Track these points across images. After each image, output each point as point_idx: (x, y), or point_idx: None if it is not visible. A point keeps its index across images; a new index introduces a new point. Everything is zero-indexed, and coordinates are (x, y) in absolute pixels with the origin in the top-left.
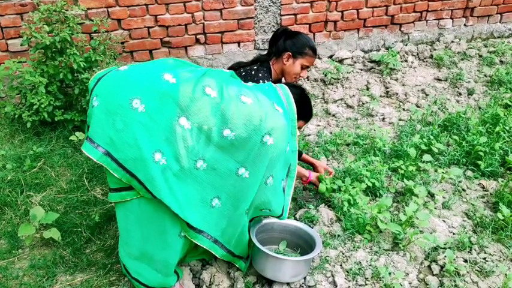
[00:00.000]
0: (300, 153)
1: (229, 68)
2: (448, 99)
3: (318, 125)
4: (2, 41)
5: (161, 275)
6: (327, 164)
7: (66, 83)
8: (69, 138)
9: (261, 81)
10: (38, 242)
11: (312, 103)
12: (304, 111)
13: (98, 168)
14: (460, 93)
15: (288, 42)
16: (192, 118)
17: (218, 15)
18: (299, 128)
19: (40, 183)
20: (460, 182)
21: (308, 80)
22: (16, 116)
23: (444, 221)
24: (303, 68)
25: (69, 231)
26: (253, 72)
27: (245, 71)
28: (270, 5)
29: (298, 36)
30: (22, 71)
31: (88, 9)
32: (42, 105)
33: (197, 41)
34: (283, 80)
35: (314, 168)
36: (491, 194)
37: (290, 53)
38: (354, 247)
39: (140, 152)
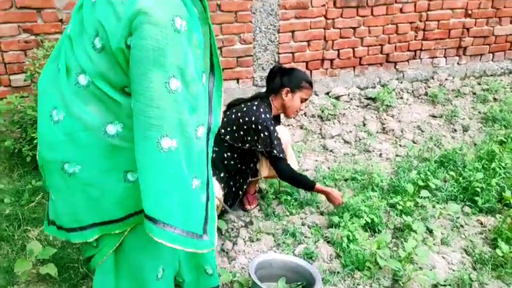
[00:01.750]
0: (314, 184)
1: (229, 105)
2: (444, 136)
3: (316, 160)
4: (5, 76)
5: None
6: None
7: None
8: None
9: (263, 115)
10: (34, 278)
11: (310, 139)
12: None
13: None
14: (455, 130)
15: (284, 79)
16: None
17: (218, 52)
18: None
19: (38, 218)
20: (458, 218)
21: (305, 115)
22: (16, 150)
23: (443, 257)
24: (302, 101)
25: (66, 266)
26: (254, 108)
27: (246, 106)
28: (268, 44)
29: (293, 71)
30: (24, 106)
31: None
32: None
33: None
34: (282, 115)
35: (328, 197)
36: (489, 230)
37: (288, 88)
38: (353, 284)
39: None
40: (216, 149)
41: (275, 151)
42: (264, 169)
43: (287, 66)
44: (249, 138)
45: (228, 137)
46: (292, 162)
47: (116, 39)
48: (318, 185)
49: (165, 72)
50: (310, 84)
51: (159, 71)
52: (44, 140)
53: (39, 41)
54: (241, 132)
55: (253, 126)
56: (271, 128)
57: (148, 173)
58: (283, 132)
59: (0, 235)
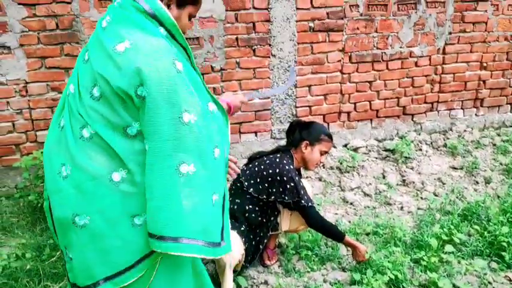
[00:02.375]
0: (343, 235)
1: (250, 158)
2: (466, 188)
3: (336, 214)
4: (31, 133)
5: None
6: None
7: None
8: None
9: (286, 166)
10: None
11: (329, 191)
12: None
13: None
14: (477, 182)
15: (303, 132)
16: None
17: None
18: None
19: (58, 273)
20: (485, 274)
21: (324, 167)
22: (39, 205)
23: None
24: (322, 153)
25: None
26: (277, 160)
27: (269, 159)
28: (285, 98)
29: (312, 125)
30: None
31: None
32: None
33: None
34: (302, 169)
35: (354, 251)
36: None
37: (307, 142)
38: None
39: None
40: (238, 201)
41: (303, 200)
42: (285, 223)
43: (305, 119)
44: (274, 190)
45: (251, 189)
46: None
47: (120, 85)
48: (348, 237)
49: (178, 109)
50: (330, 136)
51: (173, 109)
52: (55, 198)
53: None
54: (266, 185)
55: (278, 178)
56: (296, 178)
57: (170, 197)
58: (304, 185)
59: None
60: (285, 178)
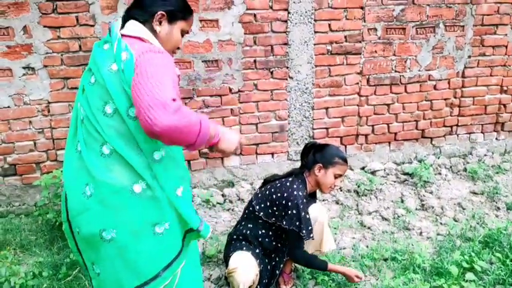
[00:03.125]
0: (326, 264)
1: (265, 181)
2: (487, 214)
3: (353, 238)
4: (52, 151)
5: None
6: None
7: None
8: None
9: (295, 192)
10: None
11: (346, 215)
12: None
13: None
14: (498, 208)
15: (317, 155)
16: None
17: (254, 128)
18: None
19: None
20: None
21: (341, 190)
22: (57, 223)
23: None
24: (336, 177)
25: None
26: (288, 184)
27: (280, 183)
28: (302, 120)
29: (326, 147)
30: None
31: None
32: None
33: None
34: (318, 191)
35: (345, 278)
36: None
37: (321, 164)
38: None
39: None
40: (251, 226)
41: (304, 231)
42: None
43: (321, 141)
44: (277, 213)
45: (262, 213)
46: (330, 240)
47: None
48: (331, 265)
49: None
50: (344, 160)
51: None
52: (82, 218)
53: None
54: (274, 208)
55: (284, 202)
56: (301, 206)
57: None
58: (320, 210)
59: None
60: (289, 203)
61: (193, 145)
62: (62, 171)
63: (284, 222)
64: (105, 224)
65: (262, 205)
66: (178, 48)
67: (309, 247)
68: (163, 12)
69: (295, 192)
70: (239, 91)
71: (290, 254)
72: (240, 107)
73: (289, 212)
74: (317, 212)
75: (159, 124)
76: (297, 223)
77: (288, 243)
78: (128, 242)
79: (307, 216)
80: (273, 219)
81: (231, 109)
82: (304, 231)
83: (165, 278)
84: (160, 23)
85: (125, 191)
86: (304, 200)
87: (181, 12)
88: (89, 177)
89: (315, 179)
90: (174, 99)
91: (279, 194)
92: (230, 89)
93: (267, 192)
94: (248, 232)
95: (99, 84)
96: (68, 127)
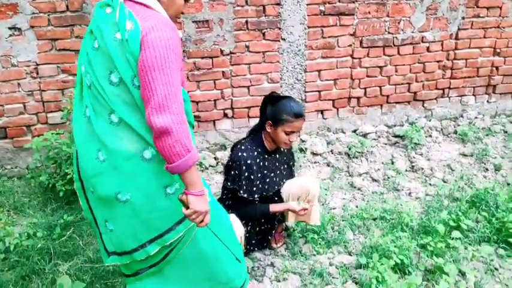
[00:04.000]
0: (268, 208)
1: (233, 145)
2: (475, 175)
3: (344, 198)
4: (42, 114)
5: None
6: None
7: None
8: None
9: (239, 153)
10: None
11: (337, 176)
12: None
13: None
14: (486, 169)
15: (268, 110)
16: None
17: (246, 91)
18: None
19: (68, 252)
20: (492, 260)
21: (332, 153)
22: (50, 185)
23: None
24: (287, 133)
25: None
26: (241, 146)
27: (239, 143)
28: (295, 83)
29: (278, 102)
30: (59, 143)
31: None
32: (76, 175)
33: (225, 115)
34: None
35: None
36: None
37: (270, 122)
38: None
39: None
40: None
41: (242, 191)
42: (291, 216)
43: (313, 105)
44: (225, 176)
45: (225, 180)
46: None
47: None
48: (272, 207)
49: None
50: (295, 115)
51: None
52: (97, 180)
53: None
54: (227, 172)
55: (230, 163)
56: (244, 167)
57: None
58: (314, 183)
59: (32, 268)
60: (233, 165)
61: (173, 164)
62: (52, 133)
63: (228, 183)
64: (120, 187)
65: (225, 171)
66: (182, 13)
67: (302, 218)
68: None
69: (239, 153)
70: (230, 53)
71: (236, 214)
72: (231, 69)
73: (232, 172)
74: (311, 184)
75: (158, 122)
76: (238, 182)
77: (233, 203)
78: (142, 203)
79: (251, 177)
80: (227, 182)
81: (223, 71)
82: (241, 191)
83: (178, 231)
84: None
85: (136, 157)
86: (257, 160)
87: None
88: (100, 144)
89: (269, 135)
90: (180, 108)
91: (228, 159)
92: (221, 51)
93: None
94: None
95: (102, 51)
96: (58, 89)
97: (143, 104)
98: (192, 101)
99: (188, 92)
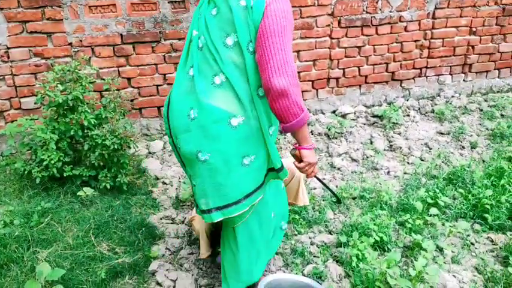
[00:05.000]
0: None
1: None
2: (452, 153)
3: (324, 179)
4: (15, 99)
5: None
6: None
7: (76, 139)
8: (77, 194)
9: None
10: None
11: (317, 157)
12: None
13: (104, 223)
14: (463, 147)
15: None
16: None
17: None
18: None
19: (47, 239)
20: (468, 235)
21: (312, 134)
22: (26, 172)
23: (454, 276)
24: None
25: None
26: None
27: None
28: None
29: None
30: (34, 128)
31: (100, 68)
32: (52, 161)
33: None
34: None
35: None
36: (500, 248)
37: None
38: None
39: None
40: None
41: None
42: None
43: None
44: None
45: None
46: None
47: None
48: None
49: None
50: None
51: None
52: (184, 136)
53: (49, 65)
54: None
55: None
56: None
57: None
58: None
59: (10, 257)
60: None
61: (290, 124)
62: (26, 119)
63: None
64: (201, 146)
65: None
66: None
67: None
68: None
69: None
70: None
71: None
72: None
73: None
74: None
75: (277, 84)
76: None
77: None
78: (218, 167)
79: None
80: None
81: None
82: None
83: (244, 205)
84: None
85: (224, 121)
86: None
87: None
88: (195, 102)
89: None
90: (295, 72)
91: None
92: None
93: None
94: None
95: (222, 17)
96: (31, 73)
97: (252, 69)
98: (170, 84)
99: (165, 74)
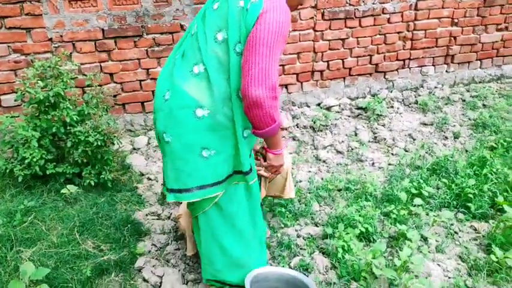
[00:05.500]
0: None
1: None
2: (435, 143)
3: (309, 171)
4: None
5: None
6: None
7: (59, 137)
8: (61, 192)
9: None
10: None
11: (302, 150)
12: None
13: (89, 221)
14: (446, 137)
15: None
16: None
17: None
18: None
19: (30, 238)
20: (452, 224)
21: (297, 127)
22: (7, 171)
23: (439, 264)
24: None
25: (59, 286)
26: None
27: None
28: None
29: None
30: (15, 126)
31: (81, 64)
32: (34, 159)
33: None
34: None
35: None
36: (483, 236)
37: None
38: None
39: None
40: None
41: None
42: (262, 192)
43: (280, 81)
44: None
45: None
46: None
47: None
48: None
49: None
50: None
51: None
52: (157, 115)
53: (29, 61)
54: None
55: None
56: None
57: None
58: (286, 157)
59: None
60: None
61: (260, 131)
62: (7, 116)
63: None
64: (166, 128)
65: None
66: (300, 4)
67: (272, 188)
68: None
69: None
70: None
71: None
72: None
73: None
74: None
75: (253, 93)
76: None
77: None
78: (178, 151)
79: None
80: None
81: None
82: None
83: (195, 195)
84: None
85: (189, 109)
86: None
87: None
88: (171, 85)
89: None
90: (274, 85)
91: None
92: (181, 26)
93: None
94: None
95: (219, 12)
96: (10, 70)
97: (236, 70)
98: (153, 79)
99: (149, 69)
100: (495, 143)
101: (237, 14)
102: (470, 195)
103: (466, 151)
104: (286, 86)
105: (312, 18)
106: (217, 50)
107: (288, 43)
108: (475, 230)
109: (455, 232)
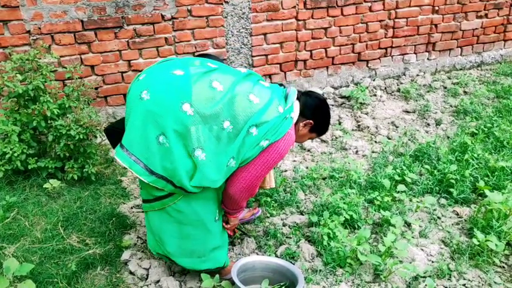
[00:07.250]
0: None
1: None
2: (418, 130)
3: (294, 161)
4: None
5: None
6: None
7: (40, 131)
8: (43, 186)
9: None
10: None
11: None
12: (319, 123)
13: (73, 215)
14: (428, 124)
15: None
16: (194, 105)
17: None
18: (310, 138)
19: (13, 234)
20: (434, 210)
21: None
22: None
23: (422, 249)
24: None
25: (44, 282)
26: None
27: None
28: (241, 47)
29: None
30: None
31: (61, 56)
32: (15, 154)
33: None
34: None
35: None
36: (465, 221)
37: (312, 123)
38: (336, 281)
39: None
40: None
41: None
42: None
43: (261, 69)
44: None
45: None
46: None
47: None
48: None
49: None
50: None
51: None
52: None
53: (7, 54)
54: None
55: None
56: None
57: None
58: None
59: None
60: None
61: (228, 209)
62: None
63: None
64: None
65: None
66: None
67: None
68: (312, 122)
69: None
70: (172, 18)
71: None
72: (174, 35)
73: None
74: None
75: (237, 193)
76: None
77: None
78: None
79: None
80: None
81: (165, 38)
82: None
83: (146, 175)
84: (305, 125)
85: (154, 135)
86: None
87: (322, 131)
88: (149, 87)
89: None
90: (254, 193)
91: None
92: (162, 16)
93: None
94: None
95: (229, 105)
96: None
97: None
98: (135, 70)
99: (130, 60)
100: (476, 129)
101: (253, 145)
102: (452, 181)
103: (448, 137)
104: (270, 75)
105: (295, 7)
106: (222, 136)
107: (271, 33)
108: (457, 214)
109: (438, 217)
